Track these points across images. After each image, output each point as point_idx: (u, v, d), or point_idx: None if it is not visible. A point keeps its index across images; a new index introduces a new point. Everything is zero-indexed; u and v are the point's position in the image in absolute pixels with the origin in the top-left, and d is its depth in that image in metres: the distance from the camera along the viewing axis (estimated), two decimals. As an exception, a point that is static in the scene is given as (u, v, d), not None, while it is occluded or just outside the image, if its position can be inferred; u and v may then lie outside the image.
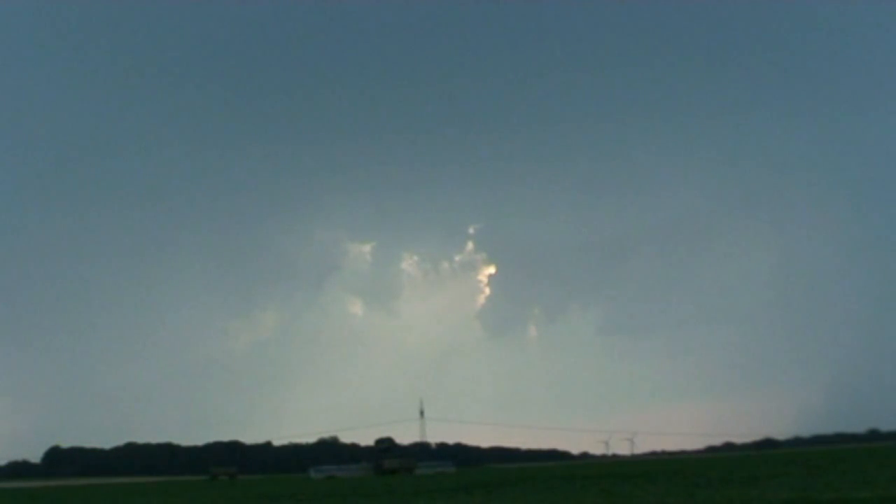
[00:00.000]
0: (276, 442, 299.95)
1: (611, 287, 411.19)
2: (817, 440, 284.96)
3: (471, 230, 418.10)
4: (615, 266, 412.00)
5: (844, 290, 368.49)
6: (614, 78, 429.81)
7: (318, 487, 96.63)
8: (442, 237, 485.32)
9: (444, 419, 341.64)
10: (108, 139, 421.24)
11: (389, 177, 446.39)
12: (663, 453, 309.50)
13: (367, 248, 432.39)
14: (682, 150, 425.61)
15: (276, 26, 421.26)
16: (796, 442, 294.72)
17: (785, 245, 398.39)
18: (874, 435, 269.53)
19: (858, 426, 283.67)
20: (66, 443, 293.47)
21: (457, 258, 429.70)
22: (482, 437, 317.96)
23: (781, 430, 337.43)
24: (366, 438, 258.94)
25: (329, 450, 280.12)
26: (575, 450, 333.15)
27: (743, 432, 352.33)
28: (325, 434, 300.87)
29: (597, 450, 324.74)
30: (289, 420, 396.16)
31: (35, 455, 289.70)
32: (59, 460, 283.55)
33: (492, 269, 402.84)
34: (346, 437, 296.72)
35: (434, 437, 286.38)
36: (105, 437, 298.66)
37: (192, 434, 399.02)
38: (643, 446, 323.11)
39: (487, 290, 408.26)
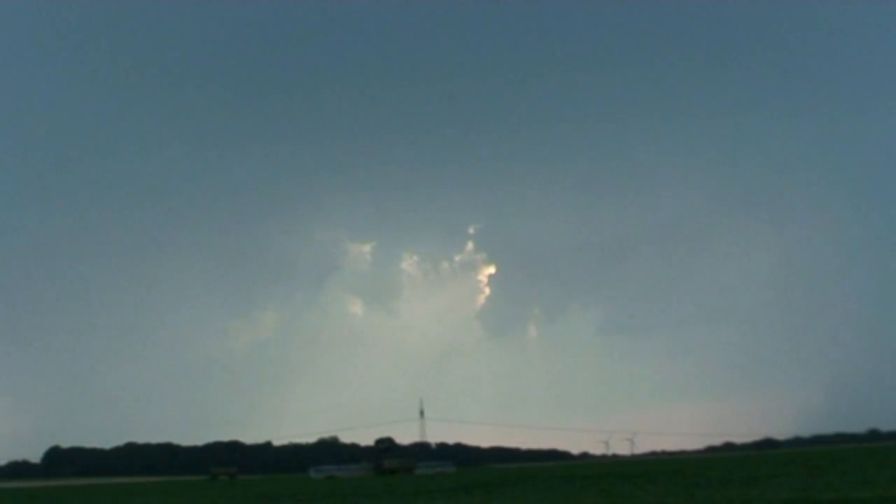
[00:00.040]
0: (276, 442, 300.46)
1: (611, 287, 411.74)
2: (817, 440, 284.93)
3: (471, 230, 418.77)
4: (615, 266, 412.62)
5: (844, 290, 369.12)
6: (614, 78, 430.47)
7: (318, 487, 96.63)
8: (442, 237, 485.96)
9: (444, 419, 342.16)
10: (108, 139, 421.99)
11: (389, 177, 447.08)
12: (663, 453, 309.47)
13: (367, 248, 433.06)
14: (682, 150, 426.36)
15: (276, 26, 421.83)
16: (796, 442, 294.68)
17: (785, 245, 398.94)
18: (874, 435, 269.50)
19: (858, 426, 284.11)
20: (66, 443, 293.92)
21: (457, 258, 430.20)
22: (482, 437, 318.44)
23: (781, 430, 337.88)
24: (366, 438, 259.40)
25: (329, 450, 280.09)
26: (575, 450, 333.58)
27: (743, 432, 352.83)
28: (325, 434, 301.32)
29: (597, 450, 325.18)
30: (289, 420, 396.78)
31: (35, 455, 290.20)
32: (59, 460, 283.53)
33: (492, 269, 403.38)
34: (346, 437, 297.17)
35: (434, 437, 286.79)
36: (105, 437, 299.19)
37: (192, 434, 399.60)
38: (643, 446, 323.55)
39: (487, 290, 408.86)
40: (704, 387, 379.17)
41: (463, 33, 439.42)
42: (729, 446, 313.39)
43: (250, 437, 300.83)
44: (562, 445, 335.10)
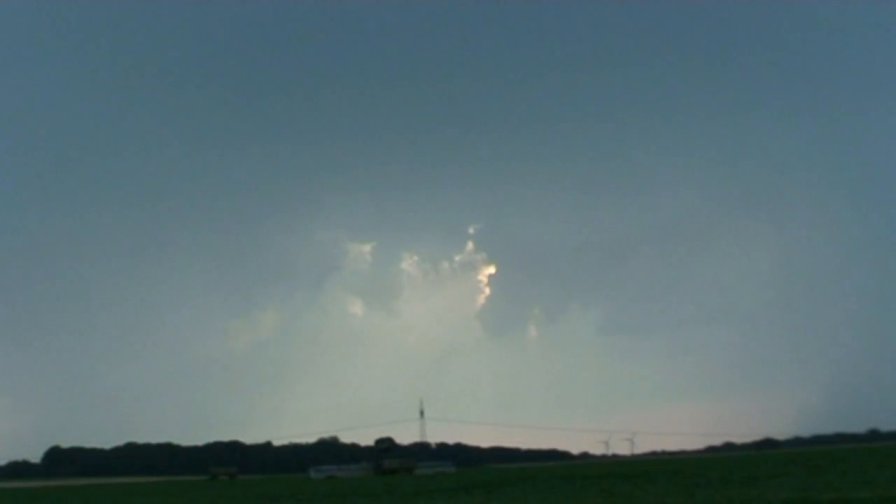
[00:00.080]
0: (276, 442, 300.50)
1: (611, 287, 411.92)
2: (817, 440, 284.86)
3: (471, 230, 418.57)
4: (615, 266, 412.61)
5: (844, 290, 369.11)
6: (614, 78, 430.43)
7: (318, 487, 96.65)
8: (442, 237, 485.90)
9: (444, 419, 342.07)
10: (108, 139, 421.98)
11: (389, 177, 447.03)
12: (663, 453, 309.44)
13: (367, 248, 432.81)
14: (682, 150, 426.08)
15: (276, 26, 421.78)
16: (796, 442, 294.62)
17: (785, 245, 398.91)
18: (874, 435, 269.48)
19: (858, 426, 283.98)
20: (66, 443, 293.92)
21: (457, 258, 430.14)
22: (482, 437, 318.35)
23: (781, 430, 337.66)
24: (366, 438, 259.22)
25: (329, 450, 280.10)
26: (575, 450, 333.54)
27: (743, 432, 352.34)
28: (325, 434, 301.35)
29: (597, 450, 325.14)
30: (289, 420, 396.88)
31: (35, 455, 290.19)
32: (59, 460, 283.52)
33: (492, 269, 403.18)
34: (346, 437, 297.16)
35: (434, 437, 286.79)
36: (105, 437, 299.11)
37: (192, 434, 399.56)
38: (643, 446, 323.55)
39: (487, 290, 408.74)
40: (704, 387, 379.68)
41: (463, 33, 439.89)
42: (729, 446, 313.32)
43: (250, 437, 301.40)
44: (562, 445, 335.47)
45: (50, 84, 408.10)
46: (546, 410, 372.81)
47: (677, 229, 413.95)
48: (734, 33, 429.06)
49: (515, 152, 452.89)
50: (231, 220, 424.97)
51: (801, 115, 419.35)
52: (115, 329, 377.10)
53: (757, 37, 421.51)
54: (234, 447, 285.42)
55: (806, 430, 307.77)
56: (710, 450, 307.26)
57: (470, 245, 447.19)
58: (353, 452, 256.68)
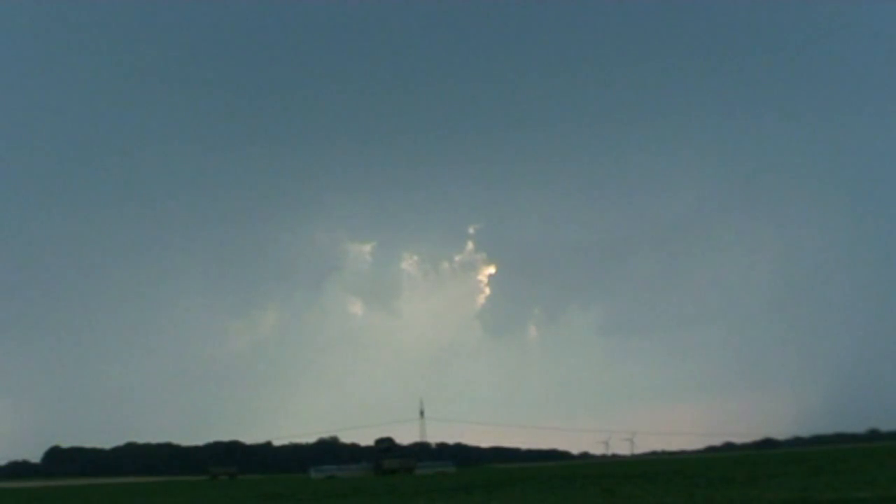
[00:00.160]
0: (276, 442, 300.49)
1: (611, 287, 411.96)
2: (817, 440, 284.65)
3: (471, 230, 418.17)
4: (615, 266, 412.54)
5: (844, 290, 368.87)
6: (614, 78, 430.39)
7: (318, 487, 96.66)
8: (442, 237, 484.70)
9: (444, 419, 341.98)
10: (109, 139, 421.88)
11: (389, 177, 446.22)
12: (663, 453, 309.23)
13: (367, 248, 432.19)
14: (682, 150, 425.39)
15: (276, 26, 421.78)
16: (796, 442, 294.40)
17: (785, 245, 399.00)
18: (874, 435, 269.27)
19: (858, 426, 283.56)
20: (66, 443, 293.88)
21: (457, 258, 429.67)
22: (482, 437, 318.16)
23: (781, 430, 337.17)
24: (366, 438, 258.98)
25: (329, 450, 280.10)
26: (575, 450, 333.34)
27: (743, 432, 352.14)
28: (325, 434, 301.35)
29: (597, 450, 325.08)
30: (289, 420, 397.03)
31: (35, 455, 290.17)
32: (59, 460, 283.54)
33: (492, 269, 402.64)
34: (346, 437, 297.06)
35: (434, 437, 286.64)
36: (105, 437, 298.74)
37: (192, 434, 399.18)
38: (643, 446, 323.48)
39: (487, 290, 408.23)
40: (704, 387, 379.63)
41: (463, 33, 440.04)
42: (729, 446, 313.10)
43: (250, 437, 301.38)
44: (562, 445, 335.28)
45: (49, 84, 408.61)
46: (546, 410, 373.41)
47: (677, 229, 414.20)
48: (734, 33, 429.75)
49: (515, 152, 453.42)
50: (231, 220, 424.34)
51: (801, 115, 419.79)
52: (116, 329, 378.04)
53: (757, 37, 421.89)
54: (234, 447, 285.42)
55: (806, 430, 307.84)
56: (710, 450, 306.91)
57: (470, 245, 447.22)
58: (353, 452, 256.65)
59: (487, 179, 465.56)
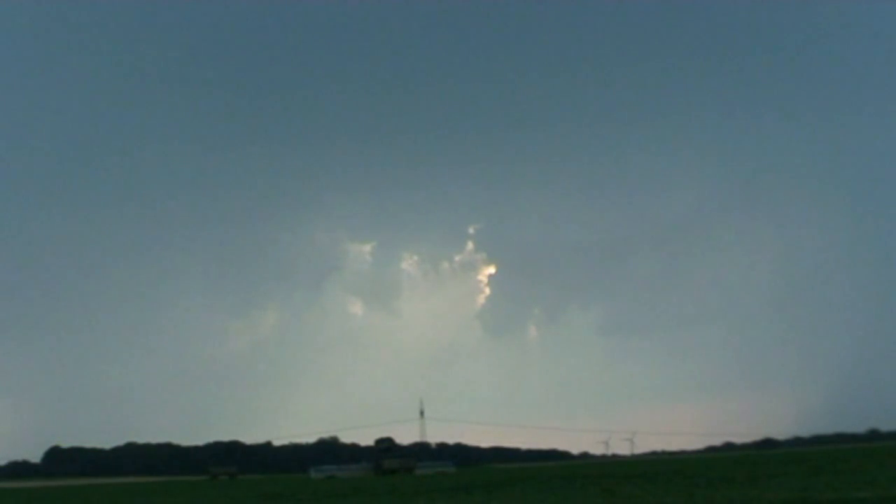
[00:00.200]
0: (276, 442, 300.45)
1: (611, 287, 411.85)
2: (817, 440, 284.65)
3: (471, 230, 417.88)
4: (615, 266, 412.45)
5: (844, 290, 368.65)
6: (614, 78, 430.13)
7: (318, 487, 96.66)
8: (442, 237, 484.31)
9: (444, 419, 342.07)
10: (109, 139, 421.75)
11: (389, 177, 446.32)
12: (663, 453, 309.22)
13: (367, 248, 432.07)
14: (682, 150, 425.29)
15: (276, 26, 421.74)
16: (796, 442, 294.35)
17: (785, 245, 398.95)
18: (874, 435, 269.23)
19: (858, 426, 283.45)
20: (66, 443, 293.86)
21: (457, 258, 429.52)
22: (482, 437, 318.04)
23: (781, 430, 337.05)
24: (366, 438, 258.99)
25: (329, 450, 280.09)
26: (575, 450, 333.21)
27: (743, 432, 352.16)
28: (325, 434, 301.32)
29: (597, 450, 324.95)
30: (289, 420, 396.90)
31: (35, 455, 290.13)
32: (59, 460, 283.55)
33: (492, 269, 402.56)
34: (346, 437, 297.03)
35: (434, 437, 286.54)
36: (105, 437, 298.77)
37: (192, 434, 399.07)
38: (643, 446, 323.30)
39: (487, 290, 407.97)
40: (704, 387, 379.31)
41: (463, 33, 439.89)
42: (729, 446, 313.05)
43: (250, 437, 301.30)
44: (562, 445, 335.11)
45: (49, 84, 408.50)
46: (546, 410, 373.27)
47: (677, 229, 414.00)
48: (734, 33, 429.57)
49: (515, 152, 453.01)
50: (231, 220, 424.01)
51: (801, 115, 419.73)
52: (116, 329, 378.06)
53: (757, 37, 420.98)
54: (234, 447, 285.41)
55: (806, 430, 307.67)
56: (710, 450, 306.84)
57: (470, 245, 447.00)
58: (353, 452, 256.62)
59: (487, 179, 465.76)
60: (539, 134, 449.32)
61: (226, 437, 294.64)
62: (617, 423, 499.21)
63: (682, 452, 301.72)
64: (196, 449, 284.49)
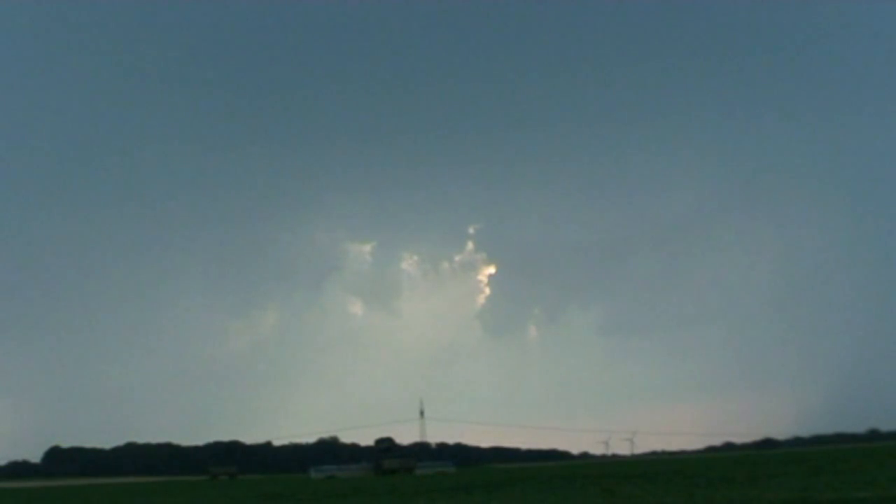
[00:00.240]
0: (276, 442, 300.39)
1: (611, 287, 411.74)
2: (817, 440, 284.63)
3: (471, 230, 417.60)
4: (615, 266, 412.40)
5: (844, 290, 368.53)
6: (614, 78, 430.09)
7: (318, 487, 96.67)
8: (442, 237, 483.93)
9: (444, 419, 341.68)
10: (109, 139, 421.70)
11: (389, 177, 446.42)
12: (663, 453, 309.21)
13: (367, 248, 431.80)
14: (682, 150, 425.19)
15: (276, 26, 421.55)
16: (796, 442, 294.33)
17: (785, 245, 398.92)
18: (874, 435, 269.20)
19: (858, 426, 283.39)
20: (66, 443, 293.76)
21: (457, 258, 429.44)
22: (482, 437, 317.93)
23: (781, 430, 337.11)
24: (366, 438, 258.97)
25: (329, 450, 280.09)
26: (575, 450, 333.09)
27: (743, 432, 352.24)
28: (325, 434, 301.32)
29: (597, 450, 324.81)
30: (289, 420, 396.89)
31: (35, 455, 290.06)
32: (59, 460, 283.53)
33: (492, 269, 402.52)
34: (346, 437, 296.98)
35: (434, 437, 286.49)
36: (105, 437, 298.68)
37: (192, 434, 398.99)
38: (643, 446, 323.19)
39: (487, 290, 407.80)
40: (704, 387, 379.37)
41: (463, 33, 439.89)
42: (729, 446, 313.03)
43: (250, 437, 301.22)
44: (562, 445, 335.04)
45: (49, 84, 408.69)
46: (546, 410, 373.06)
47: (677, 229, 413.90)
48: (734, 33, 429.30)
49: (515, 152, 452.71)
50: (230, 220, 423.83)
51: (801, 115, 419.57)
52: (116, 329, 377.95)
53: (757, 37, 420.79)
54: (234, 447, 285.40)
55: (806, 430, 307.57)
56: (710, 450, 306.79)
57: (470, 245, 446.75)
58: (353, 452, 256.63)
59: (487, 179, 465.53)
60: (539, 134, 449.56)
61: (226, 437, 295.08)
62: (617, 423, 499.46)
63: (682, 452, 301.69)
64: (196, 449, 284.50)
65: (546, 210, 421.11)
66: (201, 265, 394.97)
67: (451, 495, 56.40)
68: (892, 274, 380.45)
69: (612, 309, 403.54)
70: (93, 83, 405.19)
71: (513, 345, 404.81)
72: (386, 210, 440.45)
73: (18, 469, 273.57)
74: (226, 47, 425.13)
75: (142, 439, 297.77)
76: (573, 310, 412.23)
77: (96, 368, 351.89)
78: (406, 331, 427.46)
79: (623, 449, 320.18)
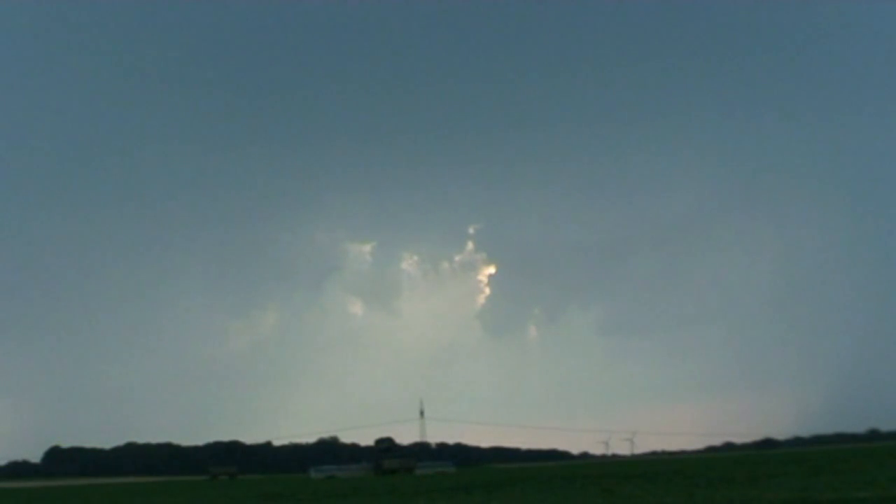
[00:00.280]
0: (276, 442, 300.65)
1: (611, 287, 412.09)
2: (817, 440, 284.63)
3: (471, 230, 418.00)
4: (615, 266, 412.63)
5: (844, 290, 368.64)
6: (614, 78, 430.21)
7: (318, 487, 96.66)
8: (442, 237, 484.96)
9: (444, 419, 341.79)
10: (109, 139, 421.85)
11: (389, 177, 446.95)
12: (663, 453, 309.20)
13: (367, 248, 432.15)
14: (682, 150, 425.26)
15: (276, 26, 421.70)
16: (796, 442, 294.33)
17: (785, 245, 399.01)
18: (874, 435, 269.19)
19: (858, 426, 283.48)
20: (66, 443, 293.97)
21: (457, 258, 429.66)
22: (482, 437, 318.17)
23: (781, 430, 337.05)
24: (366, 438, 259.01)
25: (329, 450, 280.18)
26: (575, 450, 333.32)
27: (743, 432, 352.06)
28: (325, 434, 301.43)
29: (597, 450, 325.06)
30: (289, 420, 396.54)
31: (35, 455, 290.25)
32: (59, 460, 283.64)
33: (492, 269, 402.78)
34: (346, 437, 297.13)
35: (434, 437, 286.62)
36: (105, 437, 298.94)
37: (192, 434, 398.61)
38: (643, 446, 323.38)
39: (487, 290, 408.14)
40: (704, 387, 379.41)
41: (463, 33, 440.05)
42: (729, 446, 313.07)
43: (250, 437, 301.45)
44: (562, 445, 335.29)
45: (49, 84, 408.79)
46: (546, 410, 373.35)
47: (677, 229, 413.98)
48: (734, 33, 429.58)
49: (515, 152, 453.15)
50: (230, 220, 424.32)
51: (801, 115, 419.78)
52: (116, 329, 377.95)
53: (757, 37, 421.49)
54: (234, 447, 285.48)
55: (806, 430, 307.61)
56: (710, 450, 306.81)
57: (470, 245, 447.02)
58: (353, 452, 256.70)
59: (487, 179, 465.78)
60: (539, 134, 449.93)
61: (226, 437, 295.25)
62: (617, 423, 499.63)
63: (682, 452, 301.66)
64: (196, 449, 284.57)
65: (546, 210, 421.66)
66: (201, 265, 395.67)
67: (451, 495, 56.40)
68: (892, 274, 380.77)
69: (612, 309, 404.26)
70: (93, 83, 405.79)
71: (513, 345, 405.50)
72: (386, 210, 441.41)
73: (18, 469, 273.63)
74: (226, 47, 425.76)
75: (142, 439, 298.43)
76: (573, 310, 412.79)
77: (96, 368, 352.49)
78: (406, 331, 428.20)
79: (623, 449, 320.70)
